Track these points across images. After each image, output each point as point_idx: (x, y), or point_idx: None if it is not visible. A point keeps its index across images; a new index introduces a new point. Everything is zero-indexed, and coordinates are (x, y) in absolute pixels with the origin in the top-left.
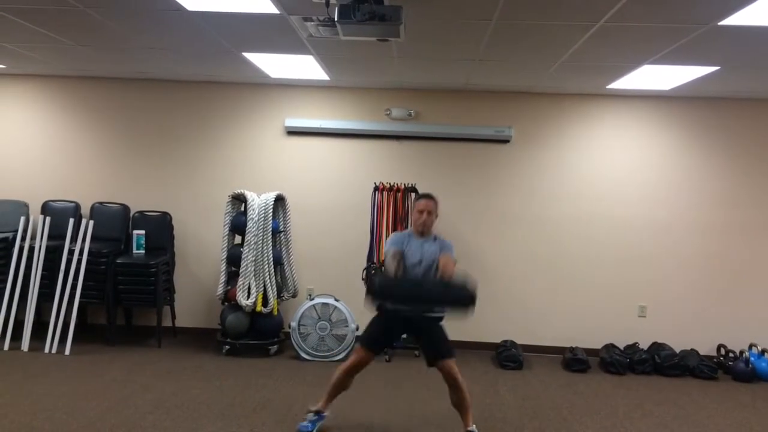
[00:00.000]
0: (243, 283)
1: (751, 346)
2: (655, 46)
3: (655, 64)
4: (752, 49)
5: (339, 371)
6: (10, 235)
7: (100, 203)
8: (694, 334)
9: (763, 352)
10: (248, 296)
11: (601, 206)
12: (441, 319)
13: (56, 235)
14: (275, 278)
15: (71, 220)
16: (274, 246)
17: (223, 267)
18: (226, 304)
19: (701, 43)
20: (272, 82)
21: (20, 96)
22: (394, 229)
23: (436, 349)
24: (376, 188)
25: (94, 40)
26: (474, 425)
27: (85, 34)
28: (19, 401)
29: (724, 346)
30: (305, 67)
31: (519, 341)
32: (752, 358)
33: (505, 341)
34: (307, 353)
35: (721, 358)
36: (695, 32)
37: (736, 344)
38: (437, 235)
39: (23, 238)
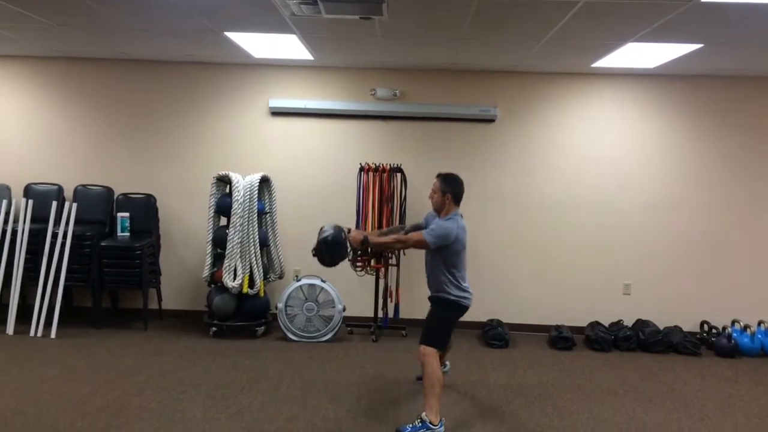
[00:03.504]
0: (229, 265)
1: (733, 322)
2: (639, 24)
3: (639, 41)
4: (735, 26)
5: None
6: None
7: (83, 186)
8: (677, 311)
9: (745, 327)
10: (234, 278)
11: (586, 185)
12: (435, 301)
13: (39, 218)
14: (261, 260)
15: (54, 203)
16: (259, 227)
17: (209, 249)
18: (213, 285)
19: (685, 20)
20: (256, 62)
21: (0, 78)
22: (380, 210)
23: (422, 331)
24: (361, 169)
25: (75, 21)
26: (426, 414)
27: (65, 14)
28: (5, 384)
29: (707, 323)
30: (289, 46)
31: (505, 320)
32: (735, 334)
33: (491, 320)
34: (294, 334)
35: (704, 334)
36: (679, 9)
37: (719, 320)
38: (450, 215)
39: (5, 221)
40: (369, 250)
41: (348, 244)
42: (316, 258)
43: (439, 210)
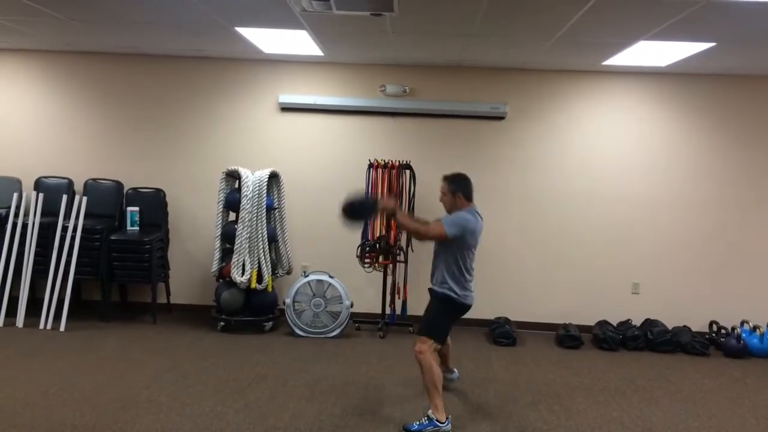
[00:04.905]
0: (237, 260)
1: (742, 323)
2: (651, 22)
3: (651, 40)
4: (747, 25)
5: None
6: (3, 211)
7: (94, 180)
8: (686, 311)
9: (754, 328)
10: (243, 273)
11: (596, 183)
12: (439, 297)
13: (49, 211)
14: (270, 255)
15: (64, 197)
16: (268, 223)
17: (218, 244)
18: (221, 280)
19: (697, 18)
20: (266, 58)
21: (12, 72)
22: None
23: (421, 323)
24: (370, 165)
25: (86, 15)
26: (432, 413)
27: (77, 8)
28: (14, 377)
29: (717, 323)
30: (299, 42)
31: (513, 318)
32: (744, 335)
33: (499, 318)
34: (302, 330)
35: (713, 335)
36: (691, 8)
37: (728, 321)
38: (459, 212)
39: (16, 215)
40: (378, 245)
41: (375, 206)
42: (343, 212)
43: (453, 211)
